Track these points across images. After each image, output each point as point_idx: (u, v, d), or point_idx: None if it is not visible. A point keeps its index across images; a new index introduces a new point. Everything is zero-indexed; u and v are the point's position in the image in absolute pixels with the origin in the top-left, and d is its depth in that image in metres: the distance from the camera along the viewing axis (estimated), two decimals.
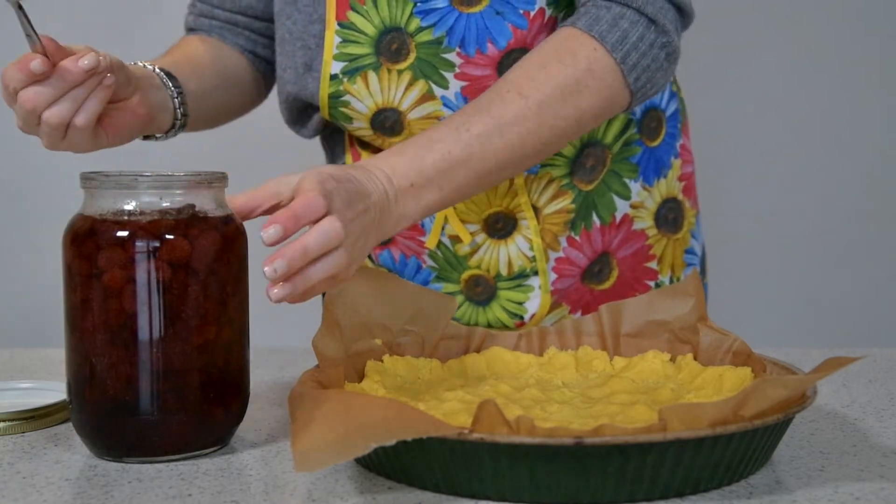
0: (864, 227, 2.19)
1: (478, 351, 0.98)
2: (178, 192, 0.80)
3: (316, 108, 1.12)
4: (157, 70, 1.05)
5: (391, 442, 0.67)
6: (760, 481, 0.76)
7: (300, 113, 1.15)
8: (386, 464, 0.75)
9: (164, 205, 0.80)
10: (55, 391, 0.96)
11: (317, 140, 1.22)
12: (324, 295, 1.07)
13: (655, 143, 1.15)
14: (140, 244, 0.78)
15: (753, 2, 2.15)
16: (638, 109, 1.13)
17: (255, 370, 1.12)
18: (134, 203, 0.79)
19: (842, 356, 0.77)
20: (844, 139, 2.18)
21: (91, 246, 0.79)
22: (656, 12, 0.97)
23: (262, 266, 0.76)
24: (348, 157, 1.14)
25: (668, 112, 1.17)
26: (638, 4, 0.97)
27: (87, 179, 0.81)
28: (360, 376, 0.90)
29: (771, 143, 2.18)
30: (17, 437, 0.88)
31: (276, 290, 0.77)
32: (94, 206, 0.80)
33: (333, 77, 1.06)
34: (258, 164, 2.13)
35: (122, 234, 0.78)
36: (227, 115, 1.22)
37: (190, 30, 1.22)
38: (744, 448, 0.73)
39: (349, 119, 1.08)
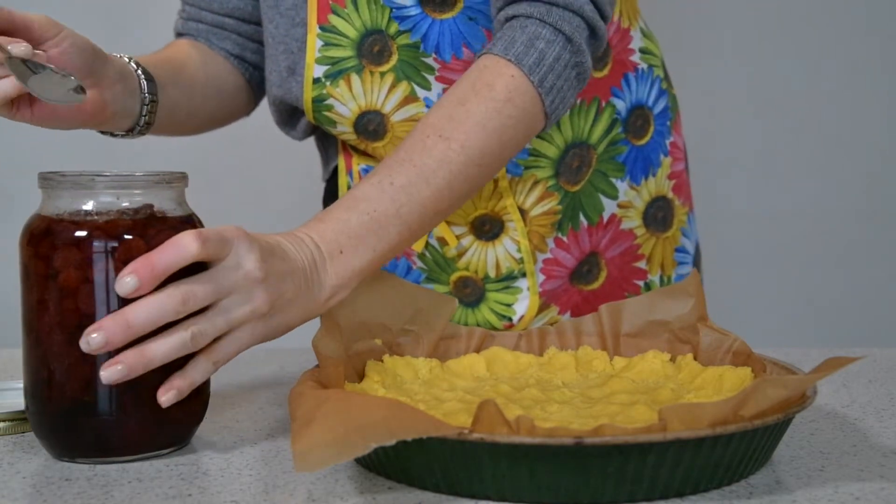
0: (864, 227, 2.19)
1: (478, 351, 0.98)
2: (136, 192, 0.80)
3: (302, 112, 1.12)
4: (138, 71, 1.03)
5: (391, 442, 0.67)
6: (760, 481, 0.76)
7: (289, 116, 1.15)
8: (386, 464, 0.75)
9: (123, 205, 0.79)
10: None
11: (310, 141, 1.22)
12: None
13: (643, 142, 1.15)
14: (97, 244, 0.77)
15: None
16: (623, 108, 1.13)
17: (256, 370, 1.12)
18: (92, 203, 0.79)
19: (842, 356, 0.77)
20: (845, 138, 2.18)
21: (47, 246, 0.78)
22: (573, 31, 0.95)
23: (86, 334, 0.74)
24: (341, 160, 1.14)
25: (657, 110, 1.16)
26: (553, 20, 0.95)
27: (45, 179, 0.81)
28: (360, 376, 0.90)
29: (772, 143, 2.18)
30: (17, 437, 0.88)
31: (109, 370, 0.75)
32: (52, 207, 0.80)
33: (316, 81, 1.06)
34: (253, 167, 2.13)
35: (79, 234, 0.77)
36: (211, 122, 1.20)
37: (179, 34, 1.21)
38: (744, 448, 0.73)
39: (333, 123, 1.08)
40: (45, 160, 2.08)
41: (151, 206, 0.80)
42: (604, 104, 1.11)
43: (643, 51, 1.16)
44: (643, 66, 1.15)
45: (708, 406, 0.70)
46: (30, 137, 2.17)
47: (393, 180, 0.89)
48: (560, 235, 1.11)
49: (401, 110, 1.06)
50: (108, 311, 0.77)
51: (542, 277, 1.11)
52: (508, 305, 1.12)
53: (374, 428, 0.68)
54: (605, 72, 1.12)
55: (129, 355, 0.75)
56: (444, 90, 1.04)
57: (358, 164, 1.13)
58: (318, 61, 1.06)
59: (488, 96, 0.92)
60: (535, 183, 1.09)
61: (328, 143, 1.18)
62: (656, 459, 0.70)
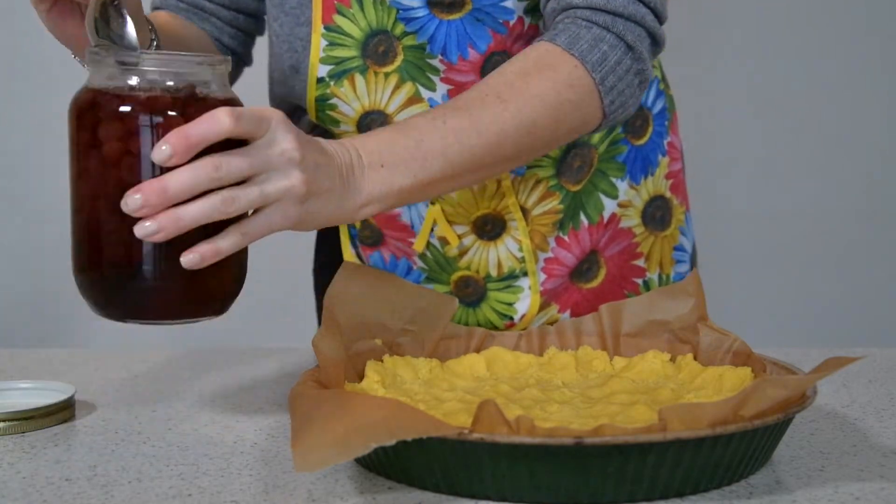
0: (864, 228, 2.19)
1: (478, 351, 0.98)
2: (180, 70, 0.81)
3: (305, 111, 1.11)
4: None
5: (391, 442, 0.67)
6: (760, 481, 0.76)
7: (290, 115, 1.15)
8: (386, 464, 0.75)
9: (167, 83, 0.81)
10: (55, 391, 0.96)
11: None
12: (321, 295, 1.07)
13: (642, 142, 1.15)
14: (142, 118, 0.79)
15: None
16: None
17: (255, 370, 1.12)
18: (136, 79, 0.81)
19: (842, 356, 0.77)
20: (845, 138, 2.18)
21: (91, 117, 0.81)
22: (635, 40, 0.96)
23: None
24: None
25: (655, 110, 1.16)
26: (618, 30, 0.95)
27: (93, 53, 0.82)
28: (360, 376, 0.90)
29: (771, 143, 2.18)
30: (17, 437, 0.88)
31: (141, 226, 0.76)
32: (98, 79, 0.82)
33: (320, 80, 1.06)
34: None
35: (124, 108, 0.79)
36: None
37: (155, 8, 1.18)
38: (744, 448, 0.73)
39: (336, 122, 1.08)
40: (46, 160, 2.08)
41: (194, 87, 0.82)
42: None
43: None
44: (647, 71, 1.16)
45: (708, 406, 0.70)
46: (30, 137, 2.17)
47: (446, 121, 0.90)
48: (561, 234, 1.11)
49: (405, 111, 1.06)
50: None
51: (543, 276, 1.12)
52: (510, 304, 1.12)
53: (374, 428, 0.68)
54: None
55: (163, 215, 0.77)
56: (450, 91, 1.04)
57: None
58: (323, 61, 1.05)
59: (550, 76, 0.93)
60: (537, 182, 1.09)
61: None
62: (656, 459, 0.70)
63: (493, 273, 1.11)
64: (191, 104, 0.80)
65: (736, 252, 2.14)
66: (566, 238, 1.12)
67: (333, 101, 1.07)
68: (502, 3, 1.02)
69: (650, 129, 1.16)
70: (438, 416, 0.79)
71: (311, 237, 2.11)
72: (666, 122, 1.18)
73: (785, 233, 2.18)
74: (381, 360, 0.92)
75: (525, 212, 1.10)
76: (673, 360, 0.95)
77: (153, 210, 0.76)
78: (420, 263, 1.13)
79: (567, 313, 1.13)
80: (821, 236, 2.18)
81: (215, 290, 0.83)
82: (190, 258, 0.78)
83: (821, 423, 0.90)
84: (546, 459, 0.69)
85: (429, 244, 1.11)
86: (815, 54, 2.15)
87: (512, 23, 1.03)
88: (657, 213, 1.16)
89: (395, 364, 0.92)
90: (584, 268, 1.13)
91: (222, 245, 0.79)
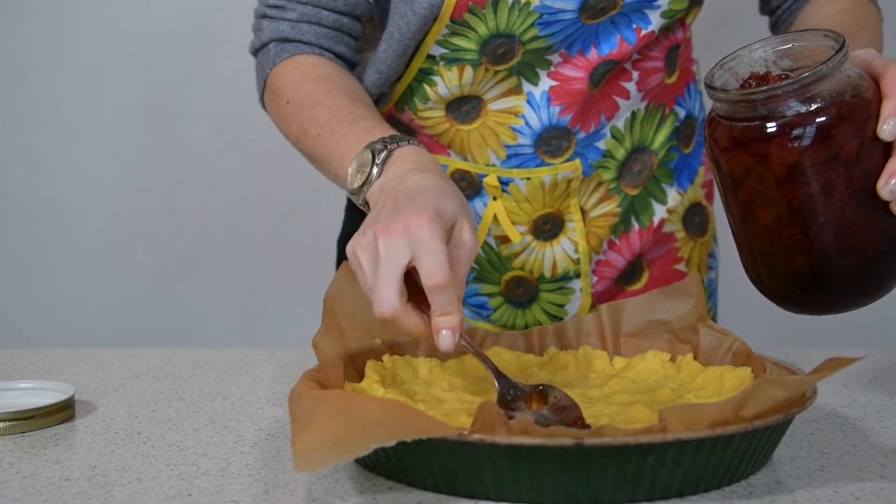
0: None
1: None
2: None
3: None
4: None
5: (391, 442, 0.67)
6: (760, 481, 0.76)
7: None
8: (386, 464, 0.75)
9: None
10: (55, 391, 0.96)
11: None
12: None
13: (688, 150, 1.17)
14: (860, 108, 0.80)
15: None
16: (682, 116, 1.15)
17: (255, 370, 1.12)
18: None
19: (842, 356, 0.77)
20: None
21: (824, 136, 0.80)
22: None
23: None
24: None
25: (699, 119, 1.18)
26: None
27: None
28: (360, 376, 0.90)
29: None
30: (17, 437, 0.88)
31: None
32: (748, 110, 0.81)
33: (430, 56, 1.04)
34: (253, 166, 2.13)
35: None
36: None
37: (281, 40, 1.06)
38: (744, 448, 0.73)
39: (426, 98, 1.06)
40: (45, 160, 2.08)
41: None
42: (668, 111, 1.13)
43: (695, 60, 1.18)
44: (698, 76, 1.17)
45: (708, 406, 0.70)
46: (29, 138, 2.17)
47: None
48: (614, 238, 1.12)
49: (501, 100, 1.05)
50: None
51: (594, 279, 1.13)
52: (560, 306, 1.13)
53: (374, 428, 0.68)
54: (674, 79, 1.13)
55: None
56: (552, 88, 1.04)
57: None
58: (439, 43, 1.03)
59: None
60: (599, 184, 1.10)
61: None
62: (656, 460, 0.70)
63: (547, 274, 1.12)
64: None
65: (736, 252, 2.14)
66: (618, 241, 1.13)
67: (436, 77, 1.05)
68: (646, 9, 1.03)
69: (695, 138, 1.17)
70: (438, 416, 0.79)
71: (309, 241, 2.11)
72: (704, 132, 1.19)
73: None
74: (381, 360, 0.92)
75: (584, 213, 1.10)
76: (673, 360, 0.95)
77: None
78: None
79: None
80: None
81: None
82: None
83: (821, 423, 0.90)
84: (546, 460, 0.69)
85: (484, 242, 1.11)
86: None
87: (643, 32, 1.04)
88: (696, 219, 1.18)
89: (395, 364, 0.92)
90: (628, 271, 1.14)
91: None
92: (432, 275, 0.77)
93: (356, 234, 0.82)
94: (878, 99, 0.80)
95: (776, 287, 0.86)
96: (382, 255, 0.78)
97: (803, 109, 0.79)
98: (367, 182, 0.89)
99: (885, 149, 0.80)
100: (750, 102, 0.80)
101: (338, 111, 0.98)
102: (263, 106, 1.11)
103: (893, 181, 0.79)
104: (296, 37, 1.05)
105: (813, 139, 0.79)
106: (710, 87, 0.82)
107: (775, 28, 1.17)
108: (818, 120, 0.79)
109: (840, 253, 0.81)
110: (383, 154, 0.89)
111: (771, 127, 0.79)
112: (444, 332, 0.78)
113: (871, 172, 0.80)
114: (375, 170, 0.88)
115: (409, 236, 0.78)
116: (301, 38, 1.05)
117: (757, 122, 0.80)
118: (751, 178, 0.82)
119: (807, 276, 0.83)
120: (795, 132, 0.79)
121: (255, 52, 1.09)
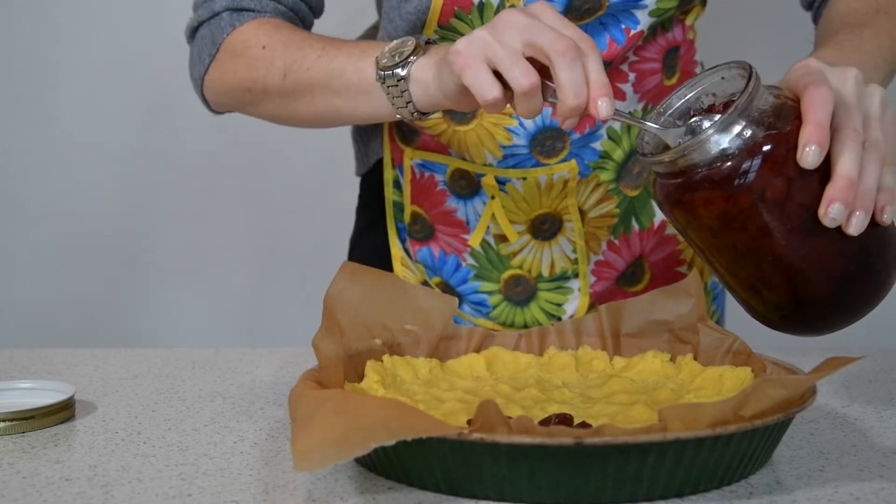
0: None
1: (478, 351, 0.98)
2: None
3: None
4: None
5: (391, 442, 0.67)
6: (760, 481, 0.76)
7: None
8: (386, 464, 0.75)
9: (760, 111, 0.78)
10: (55, 391, 0.96)
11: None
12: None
13: None
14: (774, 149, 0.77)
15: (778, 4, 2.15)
16: None
17: (255, 370, 1.12)
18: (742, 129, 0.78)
19: (842, 356, 0.77)
20: None
21: (706, 192, 0.78)
22: None
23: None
24: (387, 153, 1.12)
25: None
26: None
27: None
28: (360, 376, 0.90)
29: None
30: (17, 437, 0.88)
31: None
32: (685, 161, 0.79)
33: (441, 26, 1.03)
34: (253, 164, 2.13)
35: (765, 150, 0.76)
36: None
37: (236, 10, 1.04)
38: (744, 448, 0.73)
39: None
40: (44, 161, 2.08)
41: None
42: None
43: (699, 62, 1.18)
44: None
45: (708, 406, 0.70)
46: (29, 138, 2.17)
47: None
48: (613, 238, 1.12)
49: None
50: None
51: (592, 279, 1.13)
52: (559, 305, 1.13)
53: (374, 428, 0.68)
54: (674, 80, 1.13)
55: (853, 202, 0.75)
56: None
57: (411, 158, 1.12)
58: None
59: None
60: (598, 185, 1.11)
61: (369, 136, 1.16)
62: (656, 460, 0.70)
63: (545, 273, 1.12)
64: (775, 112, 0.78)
65: None
66: (617, 242, 1.13)
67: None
68: (633, 9, 1.02)
69: None
70: (438, 416, 0.79)
71: (309, 241, 2.12)
72: None
73: None
74: (381, 360, 0.92)
75: (582, 213, 1.11)
76: (673, 360, 0.95)
77: (851, 207, 0.75)
78: (470, 260, 1.13)
79: None
80: None
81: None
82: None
83: (821, 423, 0.90)
84: (546, 459, 0.69)
85: (483, 240, 1.11)
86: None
87: (633, 32, 1.04)
88: None
89: (395, 364, 0.92)
90: (629, 272, 1.14)
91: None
92: (581, 38, 0.79)
93: (463, 43, 0.81)
94: (800, 125, 0.76)
95: (764, 315, 0.84)
96: (503, 33, 0.79)
97: (716, 162, 0.77)
98: (414, 52, 0.88)
99: (824, 173, 0.76)
100: (667, 163, 0.79)
101: (332, 40, 0.97)
102: (202, 77, 1.06)
103: (833, 208, 0.75)
104: (253, 6, 1.04)
105: (731, 188, 0.77)
106: (634, 150, 0.81)
107: (815, 21, 1.16)
108: (731, 169, 0.76)
109: (805, 282, 0.79)
110: (423, 39, 0.89)
111: (690, 182, 0.78)
112: (600, 100, 0.78)
113: (808, 204, 0.77)
114: (419, 44, 0.88)
115: (531, 17, 0.79)
116: (258, 8, 1.04)
117: (680, 179, 0.79)
118: (692, 229, 0.81)
119: (783, 305, 0.82)
120: (711, 184, 0.77)
121: (200, 24, 1.06)
